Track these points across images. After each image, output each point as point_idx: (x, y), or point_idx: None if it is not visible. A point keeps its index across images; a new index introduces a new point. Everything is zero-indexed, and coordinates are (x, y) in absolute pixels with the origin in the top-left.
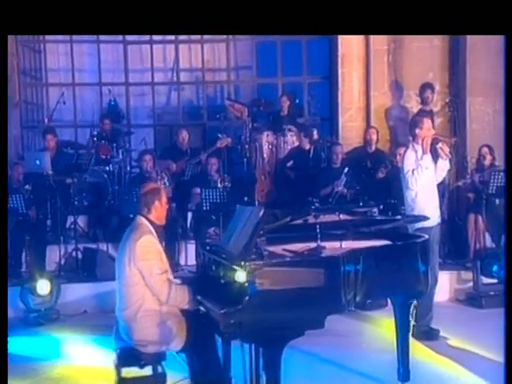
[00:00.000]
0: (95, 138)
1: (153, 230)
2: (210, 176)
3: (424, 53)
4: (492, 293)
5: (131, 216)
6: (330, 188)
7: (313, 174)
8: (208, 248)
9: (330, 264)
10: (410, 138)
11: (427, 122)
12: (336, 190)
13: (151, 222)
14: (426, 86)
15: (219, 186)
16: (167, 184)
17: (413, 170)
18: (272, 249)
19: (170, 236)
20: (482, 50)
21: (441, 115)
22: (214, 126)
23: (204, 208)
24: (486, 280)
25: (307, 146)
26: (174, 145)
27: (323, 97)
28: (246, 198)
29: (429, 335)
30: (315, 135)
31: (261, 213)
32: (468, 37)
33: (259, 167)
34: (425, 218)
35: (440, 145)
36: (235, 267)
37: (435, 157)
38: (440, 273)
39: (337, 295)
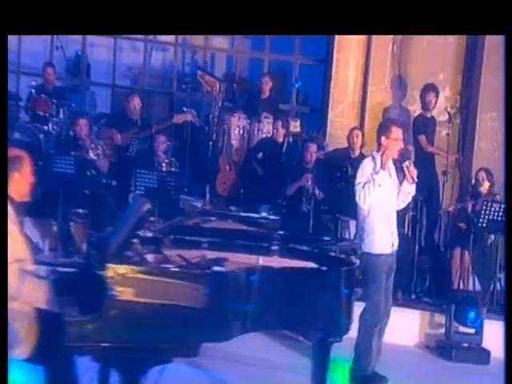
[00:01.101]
0: (33, 90)
1: (10, 208)
2: (156, 156)
3: (436, 49)
4: (465, 344)
5: None
6: (298, 184)
7: (282, 172)
8: (93, 240)
9: (220, 281)
10: (376, 146)
11: (396, 132)
12: (305, 185)
13: (10, 198)
14: (428, 88)
15: (164, 169)
16: (100, 156)
17: (364, 184)
18: (168, 252)
19: (97, 220)
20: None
21: (446, 126)
22: (184, 97)
23: (138, 192)
24: (462, 328)
25: (280, 139)
26: (122, 112)
27: (316, 83)
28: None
29: (367, 382)
30: (295, 127)
31: (144, 208)
32: (488, 37)
33: (225, 155)
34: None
35: (407, 163)
36: (101, 267)
37: (401, 176)
38: (411, 312)
39: (221, 320)
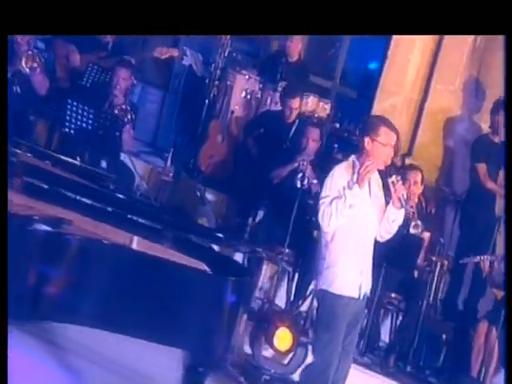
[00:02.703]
0: None
1: None
2: (111, 95)
3: None
4: None
5: None
6: (290, 167)
7: (282, 161)
8: None
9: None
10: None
11: (386, 135)
12: (300, 170)
13: None
14: (498, 105)
15: (116, 111)
16: (35, 71)
17: (332, 200)
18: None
19: None
20: None
21: None
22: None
23: (66, 129)
24: None
25: (291, 118)
26: None
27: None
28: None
29: None
30: (323, 110)
31: None
32: None
33: (220, 121)
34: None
35: (393, 179)
36: None
37: (387, 196)
38: None
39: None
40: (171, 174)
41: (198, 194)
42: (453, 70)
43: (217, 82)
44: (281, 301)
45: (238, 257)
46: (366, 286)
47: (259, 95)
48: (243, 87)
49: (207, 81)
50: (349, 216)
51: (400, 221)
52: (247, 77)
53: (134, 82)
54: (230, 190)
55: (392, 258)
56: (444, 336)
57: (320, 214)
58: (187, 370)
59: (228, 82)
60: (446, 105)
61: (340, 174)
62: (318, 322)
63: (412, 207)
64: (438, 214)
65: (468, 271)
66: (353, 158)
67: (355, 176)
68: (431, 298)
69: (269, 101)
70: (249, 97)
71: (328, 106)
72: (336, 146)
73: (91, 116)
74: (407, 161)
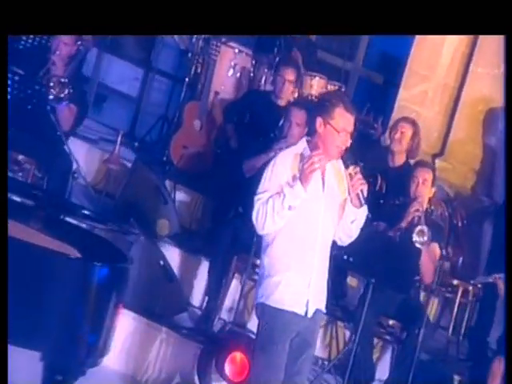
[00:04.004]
0: None
1: None
2: (49, 63)
3: None
4: None
5: None
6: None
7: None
8: None
9: None
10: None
11: (342, 118)
12: None
13: None
14: None
15: (51, 83)
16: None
17: (271, 197)
18: None
19: None
20: None
21: None
22: None
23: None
24: None
25: (283, 101)
26: None
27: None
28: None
29: None
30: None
31: None
32: None
33: (198, 104)
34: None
35: (350, 171)
36: None
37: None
38: None
39: None
40: (119, 163)
41: (158, 188)
42: (494, 47)
43: (199, 57)
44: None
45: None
46: (318, 303)
47: (251, 72)
48: (230, 63)
49: (190, 55)
50: (290, 217)
51: (361, 222)
52: (236, 50)
53: (81, 49)
54: (207, 189)
55: (384, 272)
56: (457, 378)
57: (254, 214)
58: (44, 378)
59: (212, 57)
60: (488, 93)
61: (284, 164)
62: (257, 341)
63: (418, 211)
64: (468, 228)
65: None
66: (304, 142)
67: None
68: (450, 332)
69: (263, 81)
70: (238, 75)
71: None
72: (349, 141)
73: (18, 86)
74: (438, 163)
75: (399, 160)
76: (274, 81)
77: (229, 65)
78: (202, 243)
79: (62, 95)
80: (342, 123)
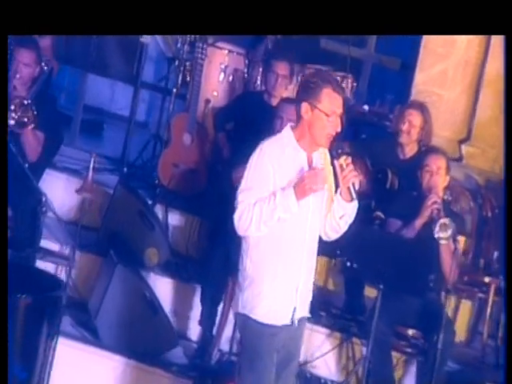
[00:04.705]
0: None
1: None
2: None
3: None
4: None
5: None
6: None
7: None
8: None
9: None
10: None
11: (331, 100)
12: None
13: None
14: None
15: (14, 115)
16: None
17: (258, 201)
18: None
19: None
20: None
21: None
22: None
23: None
24: None
25: (276, 99)
26: None
27: None
28: None
29: None
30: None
31: None
32: None
33: (186, 116)
34: None
35: (341, 161)
36: None
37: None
38: None
39: None
40: (93, 190)
41: (142, 213)
42: None
43: (186, 63)
44: None
45: None
46: (304, 308)
47: (244, 74)
48: (220, 66)
49: (176, 63)
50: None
51: (350, 218)
52: (226, 51)
53: (45, 69)
54: (203, 210)
55: (393, 275)
56: None
57: (237, 215)
58: None
59: (198, 61)
60: None
61: (269, 155)
62: (241, 357)
63: (436, 203)
64: (498, 220)
65: None
66: (289, 129)
67: (296, 158)
68: (484, 337)
69: (259, 82)
70: (231, 78)
71: (348, 82)
72: (364, 136)
73: None
74: (464, 148)
75: (410, 151)
76: (266, 78)
77: (219, 68)
78: (198, 269)
79: (26, 119)
80: (330, 105)
